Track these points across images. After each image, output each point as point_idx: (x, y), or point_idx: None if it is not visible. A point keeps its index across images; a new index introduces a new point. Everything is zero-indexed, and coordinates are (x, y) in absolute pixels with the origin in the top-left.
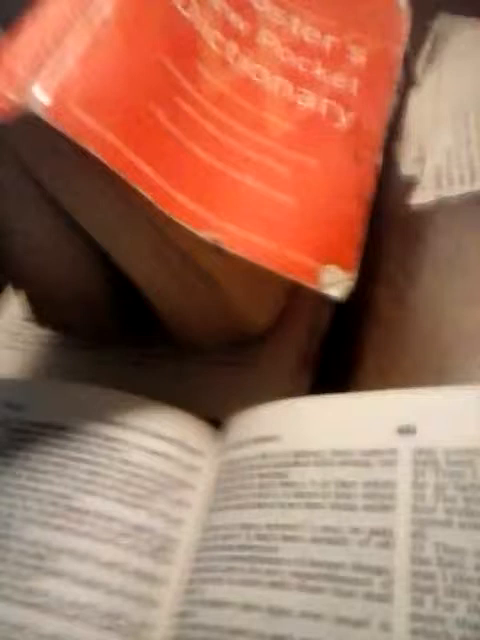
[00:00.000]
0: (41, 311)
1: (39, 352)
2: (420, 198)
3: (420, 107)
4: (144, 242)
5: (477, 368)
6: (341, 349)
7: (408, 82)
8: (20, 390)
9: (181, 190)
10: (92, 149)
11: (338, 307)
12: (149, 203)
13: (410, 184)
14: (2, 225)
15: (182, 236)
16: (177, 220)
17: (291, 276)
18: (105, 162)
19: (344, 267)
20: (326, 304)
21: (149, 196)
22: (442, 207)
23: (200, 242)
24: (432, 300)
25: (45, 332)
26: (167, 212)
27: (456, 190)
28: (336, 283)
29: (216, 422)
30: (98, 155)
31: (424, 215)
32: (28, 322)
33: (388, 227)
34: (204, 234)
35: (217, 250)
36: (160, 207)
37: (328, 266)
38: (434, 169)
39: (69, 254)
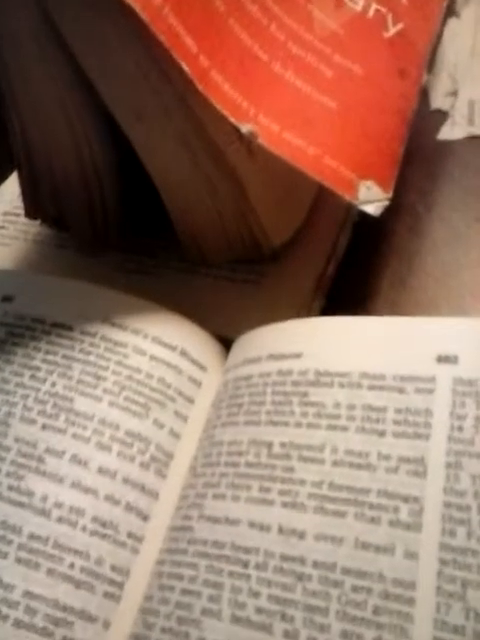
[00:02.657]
0: (36, 196)
1: (26, 248)
2: (450, 133)
3: (457, 39)
4: (169, 124)
5: None
6: (355, 278)
7: (448, 12)
8: (12, 281)
9: (222, 72)
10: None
11: (355, 233)
12: (184, 78)
13: (440, 117)
14: (12, 89)
15: (214, 123)
16: (213, 102)
17: (328, 184)
18: (145, 19)
19: (381, 184)
20: (346, 227)
21: (187, 69)
22: (472, 144)
23: (232, 133)
24: (455, 237)
25: (33, 229)
26: (204, 91)
27: None
28: (373, 200)
29: (226, 340)
30: (137, 10)
31: (453, 150)
32: (13, 216)
33: (412, 157)
34: (240, 124)
35: (248, 145)
36: (197, 84)
37: (366, 181)
38: (467, 105)
39: (78, 132)
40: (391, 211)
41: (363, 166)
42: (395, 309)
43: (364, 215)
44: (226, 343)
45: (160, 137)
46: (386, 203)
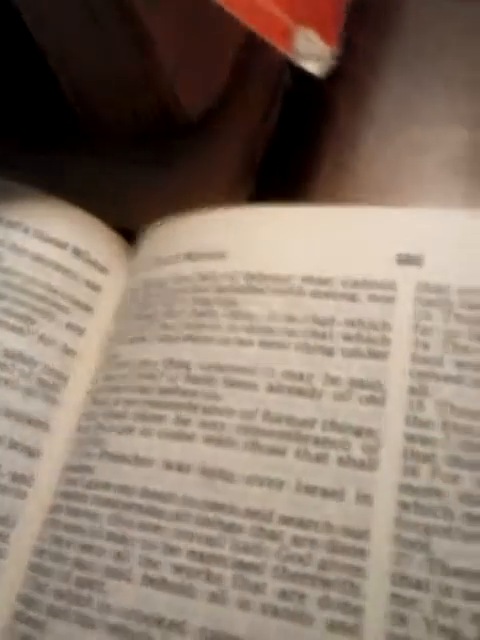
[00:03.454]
0: None
1: None
2: None
3: None
4: None
5: (457, 195)
6: (290, 159)
7: None
8: None
9: None
10: None
11: (289, 106)
12: None
13: None
14: None
15: None
16: None
17: (257, 28)
18: None
19: (324, 36)
20: (278, 95)
21: None
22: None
23: None
24: (397, 114)
25: None
26: None
27: None
28: (314, 54)
29: (129, 234)
30: None
31: (405, 6)
32: None
33: (356, 16)
34: None
35: None
36: None
37: (306, 30)
38: None
39: None
40: (330, 78)
41: (302, 11)
42: (338, 195)
43: (299, 83)
44: (133, 238)
45: None
46: (331, 61)
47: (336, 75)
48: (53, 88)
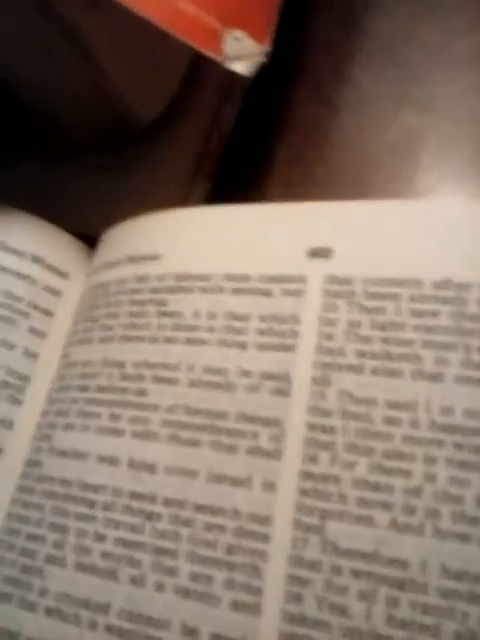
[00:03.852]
0: None
1: None
2: None
3: None
4: None
5: (402, 183)
6: (247, 156)
7: None
8: None
9: None
10: None
11: (248, 105)
12: None
13: None
14: None
15: None
16: None
17: (184, 36)
18: None
19: (255, 34)
20: (234, 95)
21: None
22: None
23: None
24: (360, 99)
25: None
26: None
27: None
28: (243, 55)
29: (91, 239)
30: None
31: None
32: None
33: (315, 7)
34: None
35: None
36: None
37: (234, 31)
38: None
39: None
40: (289, 73)
41: (230, 12)
42: (289, 189)
43: (256, 80)
44: (95, 243)
45: None
46: (261, 59)
47: (295, 68)
48: (9, 96)
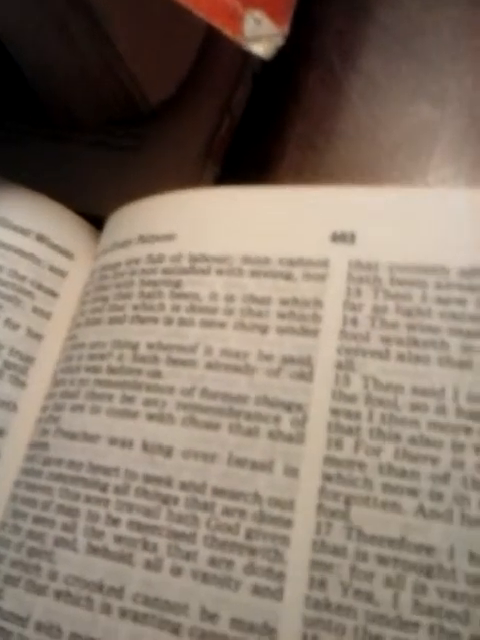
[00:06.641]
0: None
1: None
2: None
3: None
4: None
5: (415, 175)
6: (257, 141)
7: None
8: None
9: None
10: None
11: (260, 90)
12: None
13: None
14: None
15: None
16: None
17: (204, 15)
18: None
19: (274, 16)
20: (245, 78)
21: None
22: None
23: None
24: (373, 90)
25: None
26: None
27: None
28: (263, 37)
29: (98, 220)
30: None
31: None
32: None
33: None
34: None
35: None
36: None
37: (254, 11)
38: None
39: None
40: (300, 59)
41: None
42: (300, 176)
43: (267, 66)
44: (102, 224)
45: None
46: (280, 42)
47: (305, 53)
48: (18, 76)
